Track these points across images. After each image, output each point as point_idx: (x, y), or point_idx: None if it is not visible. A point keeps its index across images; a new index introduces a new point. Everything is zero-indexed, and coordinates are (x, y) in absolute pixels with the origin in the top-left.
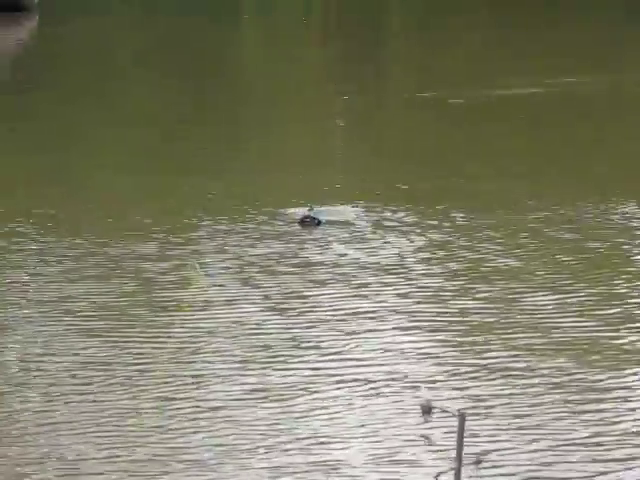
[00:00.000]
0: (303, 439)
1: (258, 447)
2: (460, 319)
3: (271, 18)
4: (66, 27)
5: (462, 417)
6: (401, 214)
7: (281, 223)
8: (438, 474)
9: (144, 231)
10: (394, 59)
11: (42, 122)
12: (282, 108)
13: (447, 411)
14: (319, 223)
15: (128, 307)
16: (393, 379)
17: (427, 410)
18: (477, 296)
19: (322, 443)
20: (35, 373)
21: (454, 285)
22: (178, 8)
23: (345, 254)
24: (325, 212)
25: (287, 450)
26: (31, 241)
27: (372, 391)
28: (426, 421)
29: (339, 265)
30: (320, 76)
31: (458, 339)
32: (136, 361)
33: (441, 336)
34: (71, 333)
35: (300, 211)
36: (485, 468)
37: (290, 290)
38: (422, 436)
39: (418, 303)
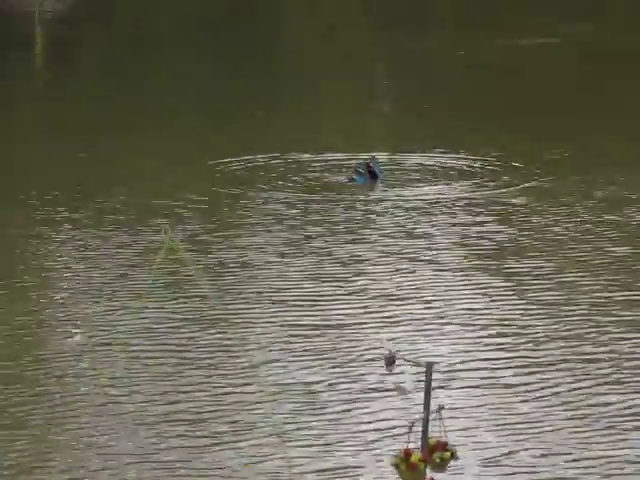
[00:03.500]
0: None
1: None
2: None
3: None
4: None
5: (430, 367)
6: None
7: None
8: (412, 423)
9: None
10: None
11: None
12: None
13: (415, 362)
14: (376, 177)
15: None
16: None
17: (390, 362)
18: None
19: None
20: None
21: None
22: None
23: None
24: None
25: None
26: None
27: None
28: (389, 372)
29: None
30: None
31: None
32: None
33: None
34: None
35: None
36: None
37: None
38: (396, 386)
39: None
